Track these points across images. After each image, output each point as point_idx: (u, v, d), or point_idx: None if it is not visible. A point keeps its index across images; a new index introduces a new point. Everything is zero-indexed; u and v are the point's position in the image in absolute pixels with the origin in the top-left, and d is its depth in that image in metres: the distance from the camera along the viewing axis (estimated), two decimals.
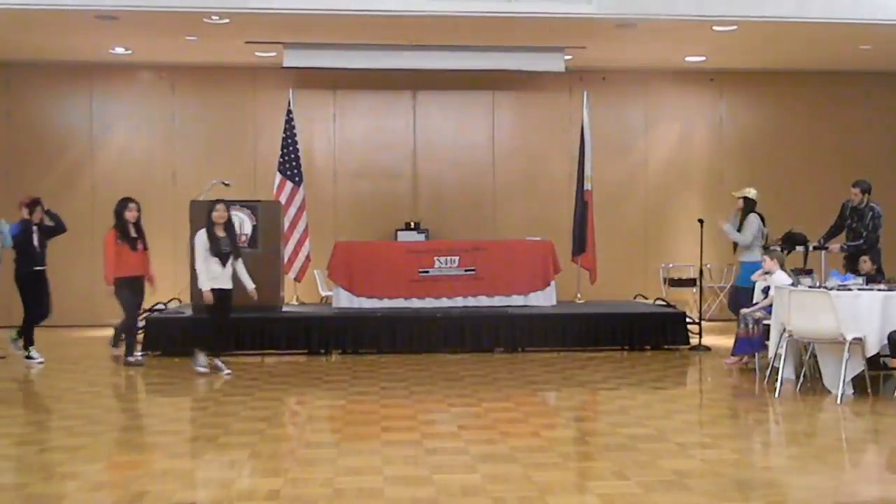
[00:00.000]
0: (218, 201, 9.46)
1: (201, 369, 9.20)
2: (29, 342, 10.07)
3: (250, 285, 9.35)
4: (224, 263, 9.23)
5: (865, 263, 9.72)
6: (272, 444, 6.50)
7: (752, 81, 14.29)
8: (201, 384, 8.86)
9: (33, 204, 10.14)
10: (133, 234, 9.91)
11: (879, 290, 8.20)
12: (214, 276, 9.15)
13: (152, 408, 8.24)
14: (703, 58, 13.35)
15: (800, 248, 10.85)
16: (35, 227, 10.06)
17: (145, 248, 9.99)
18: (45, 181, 13.14)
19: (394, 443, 6.48)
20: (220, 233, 9.27)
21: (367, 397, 8.04)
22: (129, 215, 9.89)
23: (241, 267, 9.36)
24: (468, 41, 12.17)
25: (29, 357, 10.03)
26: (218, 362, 9.29)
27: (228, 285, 9.28)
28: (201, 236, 9.20)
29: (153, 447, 6.51)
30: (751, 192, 10.74)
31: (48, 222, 10.25)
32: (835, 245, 10.72)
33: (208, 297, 9.13)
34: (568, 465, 5.93)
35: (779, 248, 10.36)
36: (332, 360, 10.44)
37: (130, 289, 9.82)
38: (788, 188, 14.15)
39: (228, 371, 9.20)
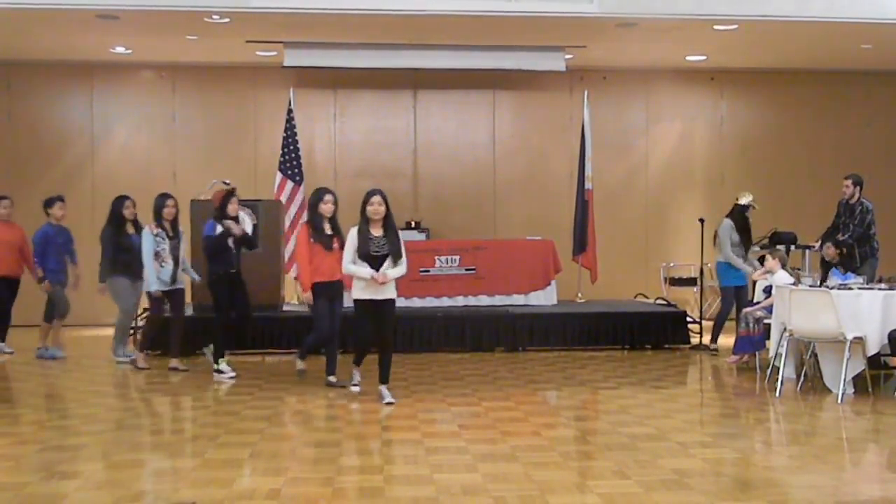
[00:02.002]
0: (374, 192, 7.76)
1: (355, 388, 8.11)
2: (219, 353, 9.11)
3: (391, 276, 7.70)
4: (378, 268, 7.60)
5: (829, 249, 9.70)
6: (273, 443, 6.50)
7: (753, 81, 14.29)
8: (202, 384, 8.85)
9: (227, 196, 9.12)
10: (328, 230, 8.36)
11: (880, 289, 8.19)
12: (364, 284, 7.64)
13: (153, 407, 8.23)
14: (704, 57, 13.35)
15: (780, 247, 10.84)
16: (235, 229, 9.08)
17: (342, 248, 8.18)
18: (45, 181, 13.16)
19: (394, 442, 6.48)
20: (377, 231, 7.69)
21: (367, 396, 8.02)
22: (325, 208, 8.32)
23: (396, 271, 7.68)
24: (469, 40, 12.17)
25: (218, 371, 9.07)
26: (356, 375, 8.18)
27: (385, 294, 7.68)
28: (352, 235, 7.73)
29: (153, 446, 6.51)
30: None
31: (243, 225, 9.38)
32: (820, 243, 10.72)
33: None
34: (569, 464, 5.93)
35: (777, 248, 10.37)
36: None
37: (327, 297, 8.31)
38: (789, 187, 14.16)
39: (356, 384, 8.14)
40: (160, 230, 9.41)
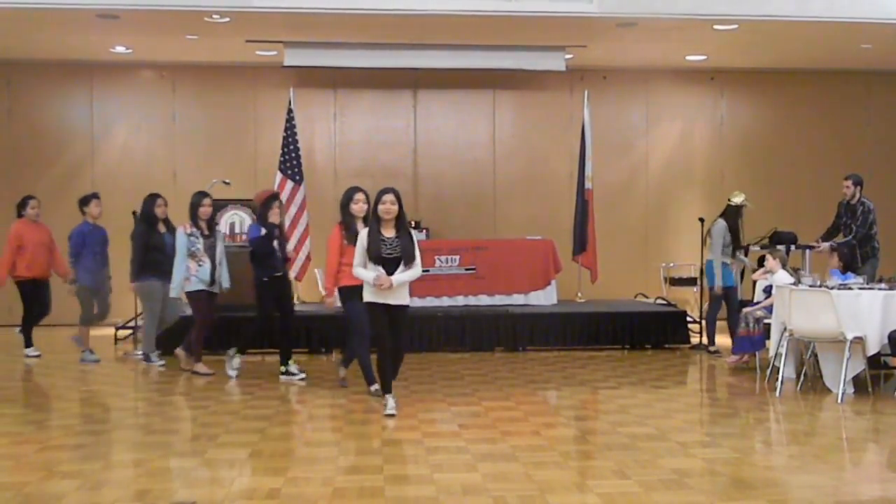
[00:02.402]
0: (386, 191, 7.23)
1: (391, 410, 7.20)
2: (241, 350, 9.05)
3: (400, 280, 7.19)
4: (391, 271, 7.12)
5: (834, 259, 9.67)
6: (272, 442, 6.50)
7: (753, 80, 14.29)
8: (202, 384, 8.85)
9: (270, 199, 8.90)
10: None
11: (880, 289, 8.20)
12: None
13: (153, 406, 8.22)
14: (704, 57, 13.34)
15: (780, 247, 10.83)
16: (276, 229, 8.83)
17: None
18: (45, 180, 13.16)
19: (394, 441, 6.48)
20: (389, 232, 7.21)
21: (367, 396, 8.02)
22: (356, 208, 7.95)
23: (406, 275, 7.19)
24: (469, 40, 12.17)
25: (233, 369, 8.96)
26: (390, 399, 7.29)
27: (397, 300, 7.20)
28: (362, 236, 7.26)
29: (153, 446, 6.50)
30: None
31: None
32: (824, 244, 10.69)
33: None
34: (568, 463, 5.93)
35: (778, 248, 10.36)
36: (333, 358, 10.43)
37: (361, 297, 7.45)
38: (789, 187, 14.16)
39: (391, 412, 7.19)
40: (194, 229, 9.14)
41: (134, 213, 10.58)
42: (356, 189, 8.13)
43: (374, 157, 13.86)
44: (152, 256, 9.64)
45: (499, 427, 6.87)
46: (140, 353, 10.11)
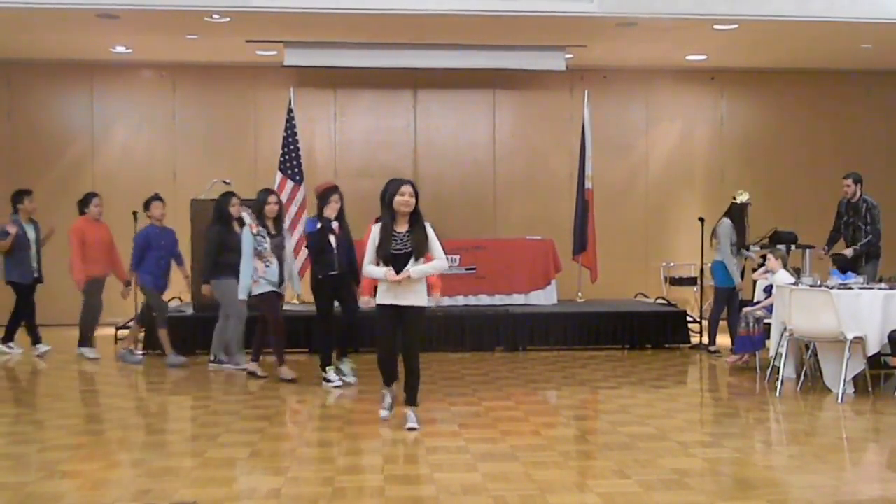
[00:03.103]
0: (406, 182, 6.88)
1: (384, 413, 7.17)
2: (326, 361, 8.56)
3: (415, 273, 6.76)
4: (399, 269, 6.68)
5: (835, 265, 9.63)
6: (273, 442, 6.50)
7: (753, 80, 14.28)
8: (202, 383, 8.85)
9: (329, 192, 8.40)
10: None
11: (880, 289, 8.20)
12: (385, 287, 6.77)
13: (153, 406, 8.24)
14: (704, 57, 13.34)
15: (781, 247, 10.82)
16: (334, 224, 8.35)
17: None
18: (45, 180, 13.15)
19: (394, 441, 6.48)
20: (402, 227, 6.81)
21: (367, 396, 8.03)
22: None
23: (424, 267, 6.80)
24: (469, 40, 12.17)
25: (326, 380, 8.51)
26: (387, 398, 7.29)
27: (410, 300, 6.72)
28: (374, 231, 6.87)
29: (154, 446, 6.51)
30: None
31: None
32: (847, 251, 10.62)
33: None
34: (568, 463, 5.94)
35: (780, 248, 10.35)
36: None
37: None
38: (789, 187, 14.16)
39: (386, 409, 7.21)
40: (261, 228, 8.77)
41: (134, 213, 10.57)
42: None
43: (374, 157, 13.86)
44: (228, 258, 9.14)
45: (499, 427, 6.87)
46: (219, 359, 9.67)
